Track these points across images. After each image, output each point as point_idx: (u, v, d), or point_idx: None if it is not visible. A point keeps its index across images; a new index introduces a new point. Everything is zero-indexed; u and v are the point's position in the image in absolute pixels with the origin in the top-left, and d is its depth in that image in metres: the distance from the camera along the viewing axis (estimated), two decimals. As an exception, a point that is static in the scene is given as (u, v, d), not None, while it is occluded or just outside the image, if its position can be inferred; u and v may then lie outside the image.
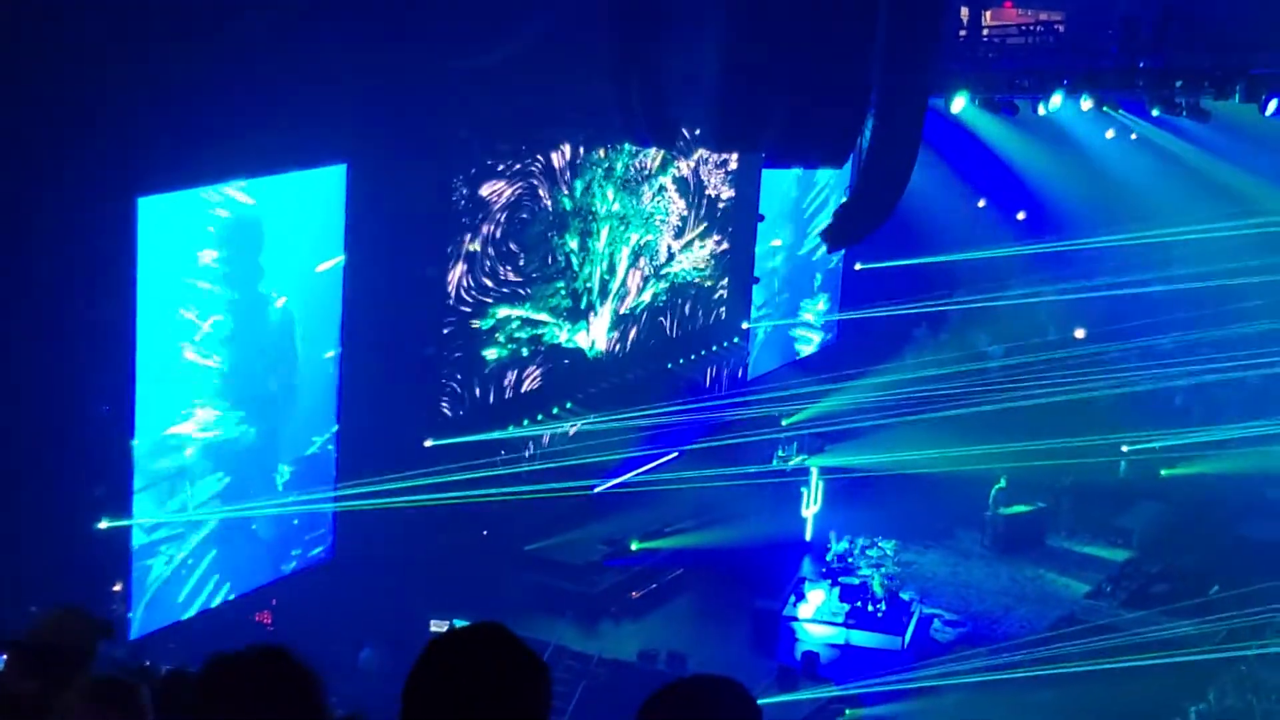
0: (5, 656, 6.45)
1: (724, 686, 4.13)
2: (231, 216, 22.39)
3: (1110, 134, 35.46)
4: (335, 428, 24.85)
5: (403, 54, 23.07)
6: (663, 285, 31.88)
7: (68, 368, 20.42)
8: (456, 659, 3.90)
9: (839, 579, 27.53)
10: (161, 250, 21.39)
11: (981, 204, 37.57)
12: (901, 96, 22.56)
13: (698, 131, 27.65)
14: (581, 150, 28.93)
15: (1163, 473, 32.65)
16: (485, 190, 26.98)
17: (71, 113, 19.26)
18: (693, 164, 31.92)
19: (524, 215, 27.85)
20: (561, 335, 29.28)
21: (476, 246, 26.96)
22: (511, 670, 3.90)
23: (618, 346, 30.88)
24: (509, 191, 27.42)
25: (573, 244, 29.15)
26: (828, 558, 28.35)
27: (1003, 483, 30.89)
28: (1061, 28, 28.59)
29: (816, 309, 36.00)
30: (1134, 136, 35.60)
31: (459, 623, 25.06)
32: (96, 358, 20.92)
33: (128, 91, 19.44)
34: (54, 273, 19.76)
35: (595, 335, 30.13)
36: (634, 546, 28.64)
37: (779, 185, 34.43)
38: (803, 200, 35.66)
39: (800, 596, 27.24)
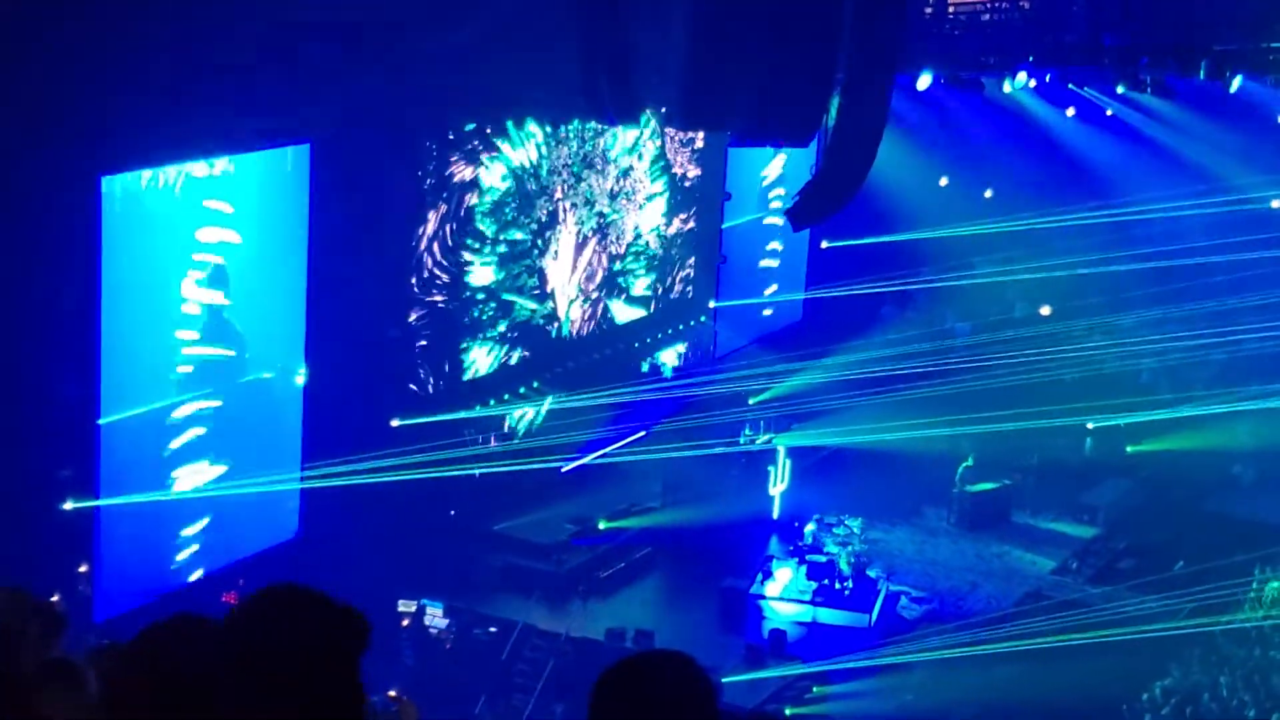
0: None
1: (676, 661, 4.13)
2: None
3: (1070, 112, 35.48)
4: (301, 406, 24.78)
5: (367, 32, 22.96)
6: (629, 264, 31.83)
7: (32, 349, 20.30)
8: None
9: (806, 557, 27.58)
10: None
11: (944, 182, 37.55)
12: (868, 74, 22.55)
13: (664, 110, 27.61)
14: (548, 129, 28.84)
15: (1128, 449, 32.79)
16: (450, 170, 26.90)
17: (33, 92, 19.11)
18: (659, 143, 31.87)
19: (490, 195, 27.76)
20: (529, 315, 29.21)
21: (442, 226, 26.88)
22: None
23: (584, 326, 30.84)
24: (474, 171, 27.33)
25: (539, 223, 29.08)
26: (806, 533, 28.37)
27: (969, 460, 30.97)
28: (1027, 5, 28.63)
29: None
30: (1109, 113, 35.63)
31: (427, 603, 25.01)
32: (61, 339, 20.81)
33: (90, 71, 19.29)
34: (16, 253, 19.61)
35: (561, 314, 30.08)
36: (602, 525, 28.63)
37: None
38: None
39: (768, 575, 27.27)
